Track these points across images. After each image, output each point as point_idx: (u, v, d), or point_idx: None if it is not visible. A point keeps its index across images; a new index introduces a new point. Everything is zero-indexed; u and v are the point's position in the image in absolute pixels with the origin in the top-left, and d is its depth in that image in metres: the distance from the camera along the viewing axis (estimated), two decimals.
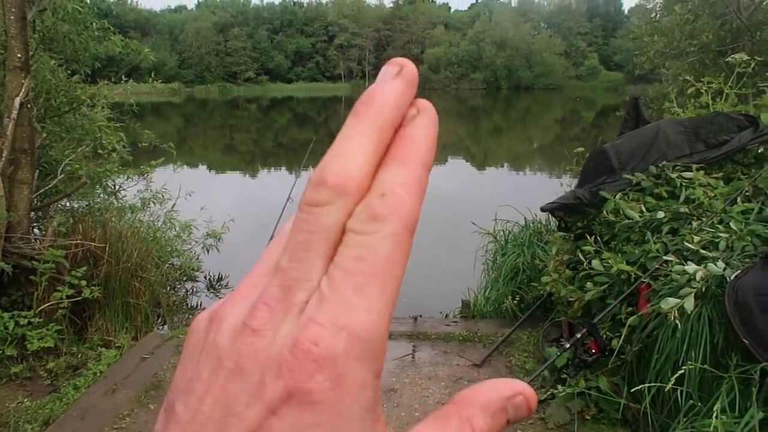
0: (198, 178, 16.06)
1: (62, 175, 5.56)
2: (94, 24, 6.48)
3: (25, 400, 3.71)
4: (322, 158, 0.24)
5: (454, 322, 4.84)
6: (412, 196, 0.23)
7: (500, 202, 6.08)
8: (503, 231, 5.69)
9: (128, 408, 3.44)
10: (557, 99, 59.82)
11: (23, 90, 4.88)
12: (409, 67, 0.25)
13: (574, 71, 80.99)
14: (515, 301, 4.78)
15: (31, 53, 5.16)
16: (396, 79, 0.25)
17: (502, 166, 20.10)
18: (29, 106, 5.00)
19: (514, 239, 5.47)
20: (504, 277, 5.03)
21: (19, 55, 4.92)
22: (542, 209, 4.24)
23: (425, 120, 0.25)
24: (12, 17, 4.90)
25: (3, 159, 4.72)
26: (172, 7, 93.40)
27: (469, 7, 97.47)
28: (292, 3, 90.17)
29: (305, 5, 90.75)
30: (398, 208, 0.23)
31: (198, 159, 21.92)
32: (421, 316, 4.86)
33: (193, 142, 28.84)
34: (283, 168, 20.51)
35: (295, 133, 33.50)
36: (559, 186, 6.43)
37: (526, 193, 9.81)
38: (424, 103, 0.26)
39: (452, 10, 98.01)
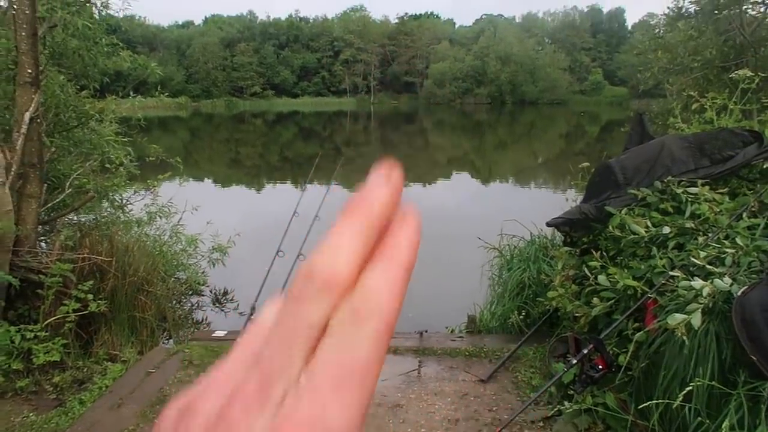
0: (204, 192, 16.14)
1: (70, 189, 5.60)
2: (103, 40, 6.55)
3: (31, 414, 3.71)
4: (313, 252, 0.24)
5: (460, 337, 4.82)
6: (394, 296, 0.24)
7: (505, 216, 6.09)
8: (509, 246, 5.69)
9: (133, 423, 3.43)
10: (561, 113, 59.93)
11: (33, 105, 4.94)
12: (396, 173, 0.26)
13: (578, 86, 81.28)
14: (521, 317, 4.77)
15: (40, 68, 5.23)
16: (385, 184, 0.26)
17: (507, 181, 20.12)
18: (39, 120, 5.06)
19: (520, 254, 5.47)
20: (510, 292, 5.02)
21: (29, 71, 4.99)
22: (548, 224, 4.25)
23: (409, 225, 0.26)
24: (23, 33, 4.97)
25: (12, 173, 4.77)
26: (180, 23, 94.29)
27: (473, 23, 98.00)
28: (298, 19, 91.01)
29: (311, 21, 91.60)
30: (380, 308, 0.23)
31: (204, 173, 22.01)
32: (426, 332, 4.85)
33: (199, 155, 29.01)
34: (289, 182, 20.60)
35: (300, 147, 33.66)
36: (565, 201, 6.43)
37: (531, 207, 9.79)
38: (409, 209, 0.27)
39: (457, 26, 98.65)
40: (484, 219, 9.02)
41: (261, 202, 16.39)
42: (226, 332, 4.93)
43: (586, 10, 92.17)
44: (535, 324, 4.63)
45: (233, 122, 54.24)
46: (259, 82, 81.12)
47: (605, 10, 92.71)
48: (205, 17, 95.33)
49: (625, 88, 76.36)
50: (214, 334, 4.94)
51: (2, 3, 6.32)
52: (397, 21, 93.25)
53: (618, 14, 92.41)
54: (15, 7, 5.19)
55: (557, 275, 4.09)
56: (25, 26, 4.98)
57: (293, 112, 64.36)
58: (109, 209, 6.82)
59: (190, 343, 4.75)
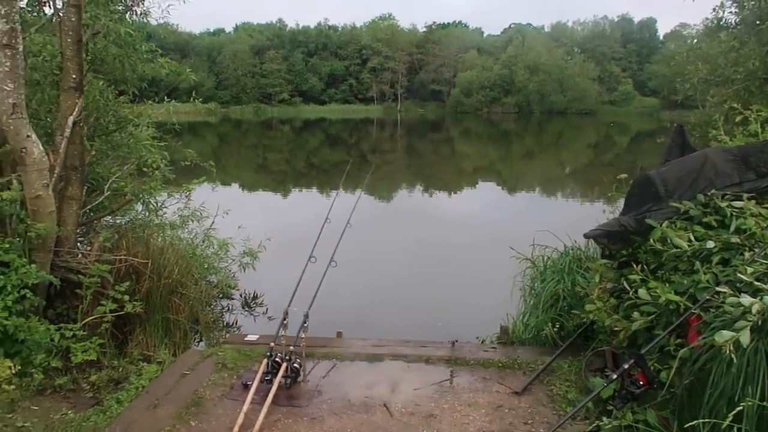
0: (231, 197, 16.30)
1: (108, 192, 5.72)
2: (143, 46, 6.69)
3: (69, 411, 3.77)
4: None
5: (493, 348, 4.77)
6: None
7: (536, 227, 6.00)
8: (542, 257, 5.61)
9: (170, 424, 3.46)
10: (590, 124, 59.25)
11: (77, 109, 5.06)
12: None
13: (607, 96, 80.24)
14: (555, 329, 4.69)
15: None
16: None
17: (534, 191, 19.94)
18: (81, 125, 5.19)
19: (553, 265, 5.38)
20: (543, 303, 4.95)
21: (74, 76, 5.11)
22: (586, 236, 4.18)
23: None
24: (69, 40, 5.10)
25: (55, 175, 4.88)
26: (211, 30, 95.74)
27: (501, 32, 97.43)
28: (326, 27, 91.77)
29: (340, 29, 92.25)
30: None
31: (231, 178, 22.28)
32: (457, 341, 4.81)
33: (227, 161, 29.38)
34: (315, 188, 20.80)
35: (327, 154, 33.94)
36: (595, 211, 6.34)
37: (562, 218, 9.69)
38: None
39: (485, 35, 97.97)
40: (514, 229, 8.94)
41: (287, 208, 16.54)
42: (258, 336, 4.96)
43: (616, 19, 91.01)
44: (569, 337, 4.56)
45: (261, 128, 54.89)
46: (287, 89, 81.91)
47: (636, 20, 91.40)
48: (236, 25, 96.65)
49: (655, 98, 75.18)
50: (246, 338, 4.97)
51: (47, 10, 6.49)
52: (425, 29, 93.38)
53: (649, 24, 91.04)
54: (61, 14, 5.34)
55: (595, 288, 4.02)
56: (71, 33, 5.10)
57: (320, 119, 64.83)
58: (144, 212, 6.94)
59: (223, 347, 4.78)
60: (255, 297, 7.31)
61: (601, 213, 5.57)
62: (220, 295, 6.92)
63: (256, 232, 7.88)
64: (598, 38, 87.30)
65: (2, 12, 4.35)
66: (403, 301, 7.14)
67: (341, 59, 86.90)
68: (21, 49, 4.54)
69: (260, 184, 21.67)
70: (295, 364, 4.03)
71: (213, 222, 7.45)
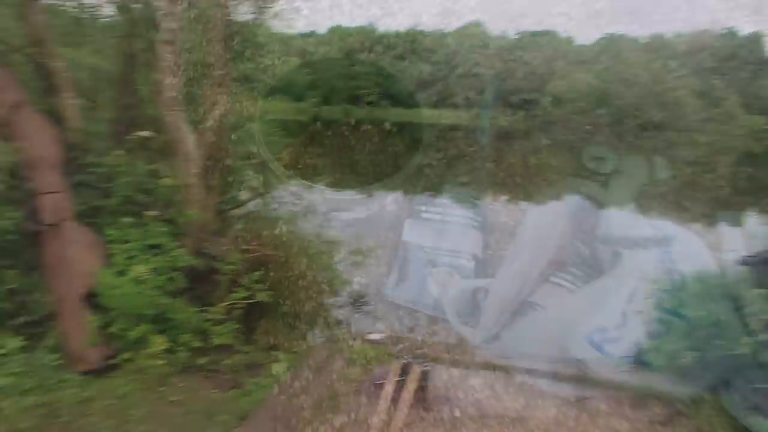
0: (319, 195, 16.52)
1: (243, 184, 5.97)
2: (276, 47, 6.97)
3: (213, 391, 3.96)
4: None
5: (625, 371, 4.56)
6: None
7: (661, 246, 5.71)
8: (675, 281, 5.29)
9: (309, 413, 3.56)
10: (688, 141, 55.94)
11: (223, 104, 5.32)
12: None
13: (708, 113, 75.57)
14: (694, 358, 4.41)
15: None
16: None
17: (628, 207, 18.96)
18: (225, 118, 5.45)
19: (689, 289, 5.06)
20: (680, 330, 4.66)
21: (220, 72, 5.40)
22: (744, 263, 3.94)
23: None
24: (217, 38, 5.39)
25: (201, 166, 5.15)
26: (305, 32, 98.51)
27: (593, 42, 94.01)
28: (416, 32, 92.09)
29: (429, 34, 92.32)
30: None
31: (321, 177, 22.65)
32: (584, 361, 4.64)
33: (318, 160, 29.95)
34: (400, 191, 20.85)
35: (412, 158, 33.98)
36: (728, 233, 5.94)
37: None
38: None
39: (576, 44, 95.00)
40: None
41: (374, 208, 16.60)
42: (382, 335, 5.00)
43: (721, 32, 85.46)
44: (709, 368, 4.28)
45: (349, 129, 55.74)
46: (375, 92, 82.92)
47: (743, 34, 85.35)
48: (328, 27, 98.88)
49: (763, 117, 70.05)
50: (369, 336, 5.01)
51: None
52: (515, 37, 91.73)
53: (756, 38, 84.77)
54: (211, 15, 5.65)
55: (751, 319, 3.75)
56: (218, 31, 5.40)
57: (407, 123, 64.92)
58: (266, 205, 7.18)
59: (349, 342, 4.85)
60: (360, 296, 7.38)
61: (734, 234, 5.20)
62: (334, 291, 7.03)
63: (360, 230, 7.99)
64: (700, 51, 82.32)
65: (171, 11, 4.66)
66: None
67: (430, 64, 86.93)
68: (182, 46, 4.85)
69: (346, 184, 21.90)
70: (426, 368, 4.03)
71: (326, 219, 7.61)
